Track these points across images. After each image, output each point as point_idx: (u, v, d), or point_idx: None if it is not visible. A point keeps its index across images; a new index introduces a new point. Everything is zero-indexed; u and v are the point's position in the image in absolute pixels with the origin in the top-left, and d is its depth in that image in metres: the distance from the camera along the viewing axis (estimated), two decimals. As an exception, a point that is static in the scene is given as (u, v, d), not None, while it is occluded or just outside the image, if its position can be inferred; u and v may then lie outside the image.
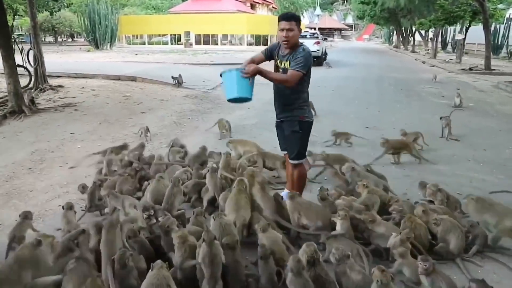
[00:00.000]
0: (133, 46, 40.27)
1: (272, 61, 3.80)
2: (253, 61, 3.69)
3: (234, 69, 3.31)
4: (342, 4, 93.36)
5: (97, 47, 32.79)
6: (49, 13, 37.40)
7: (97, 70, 14.82)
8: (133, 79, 13.46)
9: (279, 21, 3.51)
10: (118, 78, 13.65)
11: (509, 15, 31.91)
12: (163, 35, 42.05)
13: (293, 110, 3.66)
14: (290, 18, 3.50)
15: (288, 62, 3.54)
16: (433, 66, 21.67)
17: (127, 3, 53.45)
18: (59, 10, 37.97)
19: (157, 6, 57.90)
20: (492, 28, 24.67)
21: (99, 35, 32.84)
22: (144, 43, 41.58)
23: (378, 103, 10.21)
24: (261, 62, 3.74)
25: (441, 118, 6.93)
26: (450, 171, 5.14)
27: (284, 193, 3.89)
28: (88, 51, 30.65)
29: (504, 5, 26.88)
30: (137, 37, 42.46)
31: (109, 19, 33.65)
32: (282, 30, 3.47)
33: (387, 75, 16.56)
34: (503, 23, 28.70)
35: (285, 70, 3.55)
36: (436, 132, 7.00)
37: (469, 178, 4.90)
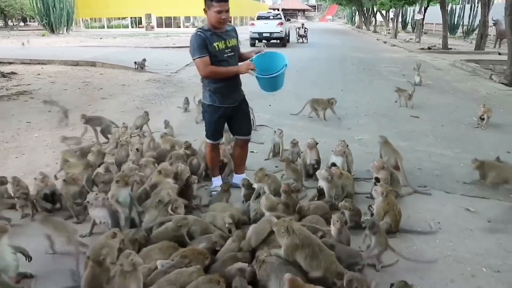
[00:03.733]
0: (92, 30, 38.59)
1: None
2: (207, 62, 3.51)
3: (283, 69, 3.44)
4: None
5: (52, 31, 31.08)
6: (-5, -5, 35.08)
7: (53, 56, 14.12)
8: (93, 64, 12.96)
9: (214, 1, 3.30)
10: (76, 63, 13.10)
11: (464, -5, 32.91)
12: (123, 18, 40.53)
13: (241, 89, 3.80)
14: None
15: (233, 39, 3.57)
16: (394, 45, 22.14)
17: (83, -15, 50.83)
18: (8, -9, 35.66)
19: (115, -12, 55.51)
20: (449, 9, 25.37)
21: (54, 18, 31.05)
22: (103, 27, 39.99)
23: (341, 82, 10.34)
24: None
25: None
26: (410, 147, 5.30)
27: (243, 176, 3.90)
28: (43, 35, 29.04)
29: (459, -14, 27.73)
30: (95, 21, 40.75)
31: (64, 1, 31.87)
32: (220, 12, 3.33)
33: (350, 55, 16.76)
34: (459, 4, 29.60)
35: (233, 48, 3.57)
36: (397, 108, 7.21)
37: (428, 153, 5.09)
